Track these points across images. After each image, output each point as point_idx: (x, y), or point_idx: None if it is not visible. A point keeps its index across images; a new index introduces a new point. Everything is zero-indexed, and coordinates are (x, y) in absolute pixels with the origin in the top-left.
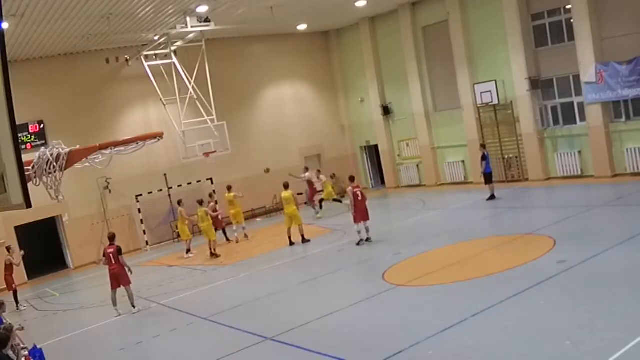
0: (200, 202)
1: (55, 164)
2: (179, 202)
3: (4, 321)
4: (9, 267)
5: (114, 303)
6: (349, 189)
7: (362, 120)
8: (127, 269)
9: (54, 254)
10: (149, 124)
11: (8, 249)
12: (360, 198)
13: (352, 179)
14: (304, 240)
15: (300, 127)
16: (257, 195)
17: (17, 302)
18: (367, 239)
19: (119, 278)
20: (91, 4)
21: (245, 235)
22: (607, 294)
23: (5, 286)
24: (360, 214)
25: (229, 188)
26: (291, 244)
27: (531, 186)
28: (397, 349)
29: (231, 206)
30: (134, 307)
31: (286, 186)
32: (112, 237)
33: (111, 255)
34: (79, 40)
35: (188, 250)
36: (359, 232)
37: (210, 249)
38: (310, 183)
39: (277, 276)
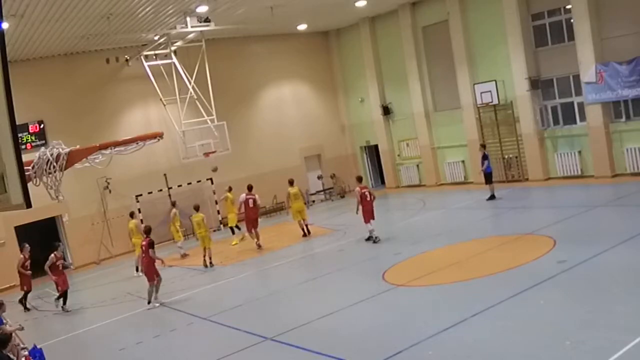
0: (197, 208)
1: (55, 164)
2: (132, 214)
3: (4, 321)
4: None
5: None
6: (357, 189)
7: (362, 120)
8: (157, 262)
9: None
10: (149, 124)
11: (22, 249)
12: (368, 199)
13: (359, 179)
14: (307, 234)
15: (300, 127)
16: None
17: (24, 301)
18: (369, 238)
19: (145, 272)
20: (91, 4)
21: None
22: (607, 294)
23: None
24: (368, 213)
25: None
26: (304, 234)
27: (531, 186)
28: (397, 349)
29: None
30: (149, 302)
31: (292, 182)
32: (147, 231)
33: (143, 247)
34: (79, 40)
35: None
36: (371, 231)
37: (204, 257)
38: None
39: (277, 276)
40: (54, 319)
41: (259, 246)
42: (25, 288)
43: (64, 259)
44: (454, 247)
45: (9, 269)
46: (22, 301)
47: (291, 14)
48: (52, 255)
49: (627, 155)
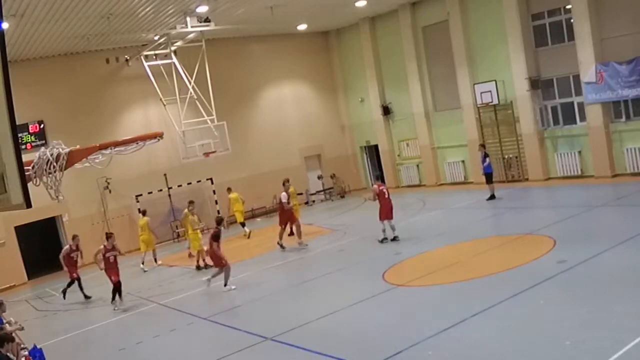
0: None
1: (55, 164)
2: (144, 212)
3: (4, 321)
4: (69, 258)
5: (226, 280)
6: (375, 186)
7: (362, 120)
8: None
9: (54, 254)
10: (149, 124)
11: (74, 237)
12: (387, 196)
13: (378, 177)
14: (292, 234)
15: (300, 127)
16: (257, 195)
17: (81, 289)
18: (394, 238)
19: (212, 261)
20: (91, 4)
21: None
22: (607, 294)
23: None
24: (386, 212)
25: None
26: (291, 233)
27: (531, 186)
28: (397, 349)
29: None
30: (225, 285)
31: (288, 181)
32: (218, 221)
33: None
34: (79, 40)
35: (150, 261)
36: (384, 231)
37: (198, 260)
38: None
39: (277, 276)
40: (54, 319)
41: (279, 242)
42: (74, 275)
43: (114, 250)
44: (454, 247)
45: (9, 269)
46: (80, 289)
47: (291, 14)
48: (102, 246)
49: (627, 155)
